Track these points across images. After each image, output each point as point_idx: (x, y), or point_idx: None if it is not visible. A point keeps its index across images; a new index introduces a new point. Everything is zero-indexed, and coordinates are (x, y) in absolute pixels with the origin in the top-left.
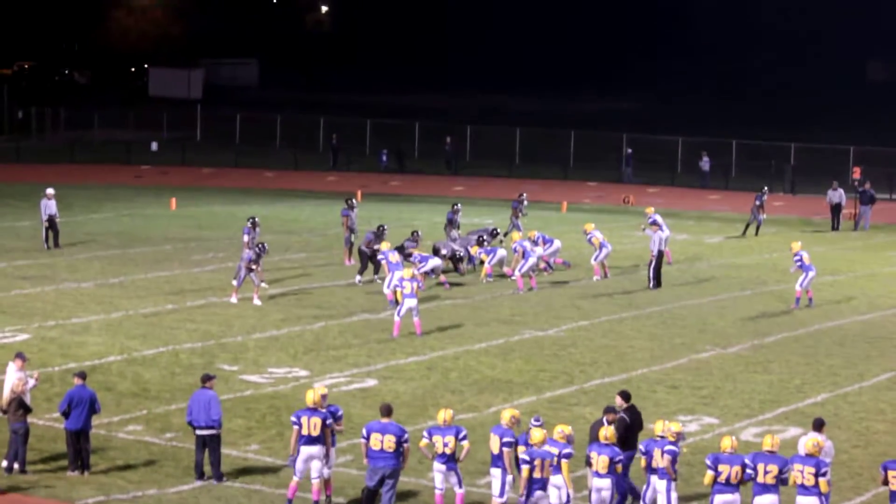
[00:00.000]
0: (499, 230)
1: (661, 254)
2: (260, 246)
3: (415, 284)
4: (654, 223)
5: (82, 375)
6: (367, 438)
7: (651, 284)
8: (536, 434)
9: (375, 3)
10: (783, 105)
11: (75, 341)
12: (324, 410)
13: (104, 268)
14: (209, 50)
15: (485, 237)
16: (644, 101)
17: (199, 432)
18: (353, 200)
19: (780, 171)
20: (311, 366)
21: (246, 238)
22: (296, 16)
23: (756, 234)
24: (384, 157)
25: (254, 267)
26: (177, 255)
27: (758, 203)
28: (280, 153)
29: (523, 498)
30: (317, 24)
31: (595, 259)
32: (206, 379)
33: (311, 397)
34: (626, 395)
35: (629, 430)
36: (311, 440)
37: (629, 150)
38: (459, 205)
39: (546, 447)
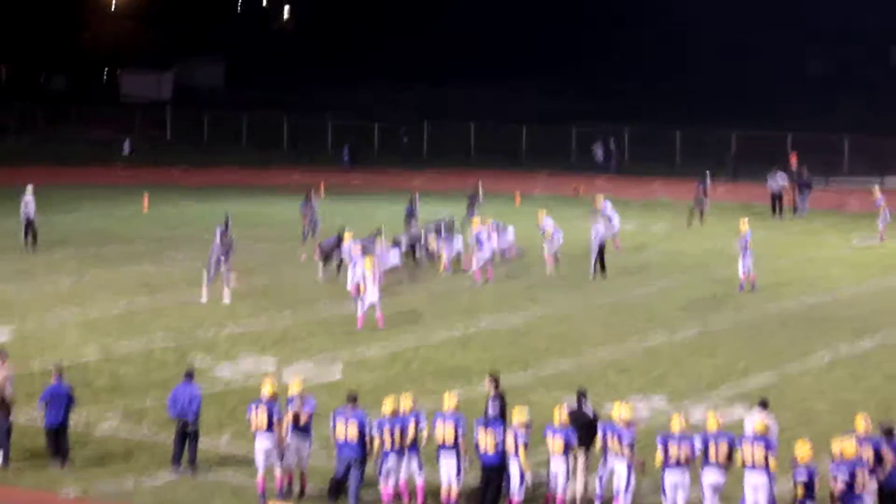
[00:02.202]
0: (455, 220)
1: (602, 244)
2: (229, 243)
3: (376, 278)
4: (604, 212)
5: (59, 371)
6: (334, 427)
7: (592, 275)
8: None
9: (338, 4)
10: (724, 96)
11: (53, 339)
12: (274, 402)
13: (80, 266)
14: (179, 53)
15: (442, 227)
16: (585, 95)
17: (181, 425)
18: (311, 193)
19: (721, 158)
20: (280, 358)
21: (218, 236)
22: (262, 17)
23: (700, 220)
24: (346, 155)
25: (223, 264)
26: (149, 253)
27: (701, 188)
28: (246, 151)
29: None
30: (281, 25)
31: (548, 251)
32: (190, 375)
33: (264, 389)
34: (495, 380)
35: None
36: (262, 432)
37: (612, 139)
38: (417, 195)
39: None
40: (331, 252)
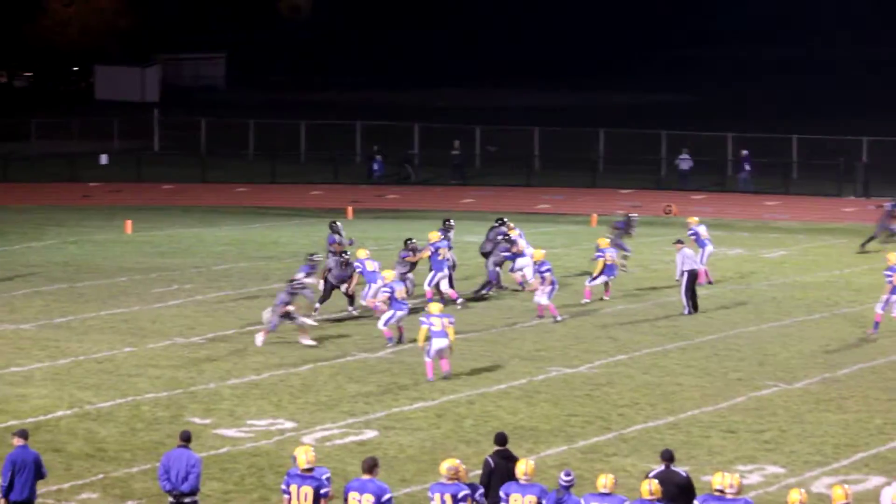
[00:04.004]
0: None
1: (692, 274)
2: (291, 283)
3: (445, 320)
4: (693, 236)
5: (23, 435)
6: (346, 499)
7: (686, 310)
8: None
9: None
10: (849, 91)
11: (15, 394)
12: (317, 476)
13: (48, 306)
14: (167, 44)
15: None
16: (678, 93)
17: (175, 499)
18: (338, 224)
19: (849, 169)
20: (299, 416)
21: (301, 274)
22: (269, 1)
23: (863, 246)
24: (376, 166)
25: (290, 309)
26: (134, 289)
27: (889, 213)
28: (254, 164)
29: None
30: (293, 11)
31: (591, 281)
32: (187, 438)
33: (302, 458)
34: (499, 439)
35: (492, 475)
36: None
37: (745, 152)
38: (452, 221)
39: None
40: (335, 284)
